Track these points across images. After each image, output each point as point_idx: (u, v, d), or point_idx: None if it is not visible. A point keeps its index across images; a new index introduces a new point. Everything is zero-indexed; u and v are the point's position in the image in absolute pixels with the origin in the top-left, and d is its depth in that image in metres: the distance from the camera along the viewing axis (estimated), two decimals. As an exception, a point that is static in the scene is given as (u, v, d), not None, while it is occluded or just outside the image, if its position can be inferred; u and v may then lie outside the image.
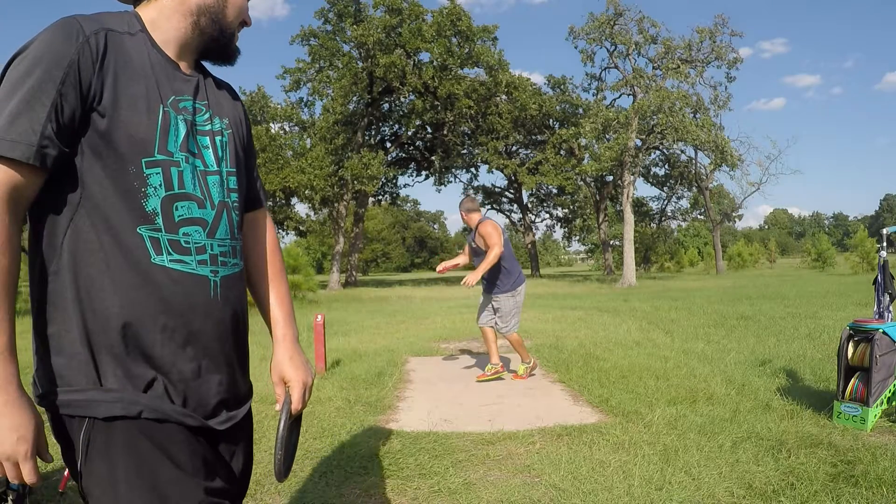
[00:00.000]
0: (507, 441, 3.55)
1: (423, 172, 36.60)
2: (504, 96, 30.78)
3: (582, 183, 34.30)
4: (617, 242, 43.14)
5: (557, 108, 33.82)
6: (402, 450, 3.39)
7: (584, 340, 7.39)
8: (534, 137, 35.39)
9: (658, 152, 35.08)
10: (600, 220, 37.66)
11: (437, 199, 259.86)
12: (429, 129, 33.54)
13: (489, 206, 40.67)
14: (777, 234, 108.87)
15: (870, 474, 2.79)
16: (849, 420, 3.62)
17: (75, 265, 1.02)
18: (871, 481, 2.73)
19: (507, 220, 42.73)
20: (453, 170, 36.43)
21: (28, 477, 0.96)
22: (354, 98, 28.54)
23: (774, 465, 3.02)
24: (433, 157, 33.53)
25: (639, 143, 26.85)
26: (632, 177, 26.71)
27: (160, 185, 1.06)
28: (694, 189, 38.68)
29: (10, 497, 2.39)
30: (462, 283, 5.17)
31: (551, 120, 34.71)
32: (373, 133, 32.08)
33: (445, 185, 36.83)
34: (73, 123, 1.00)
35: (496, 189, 40.68)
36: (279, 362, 1.30)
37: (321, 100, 28.63)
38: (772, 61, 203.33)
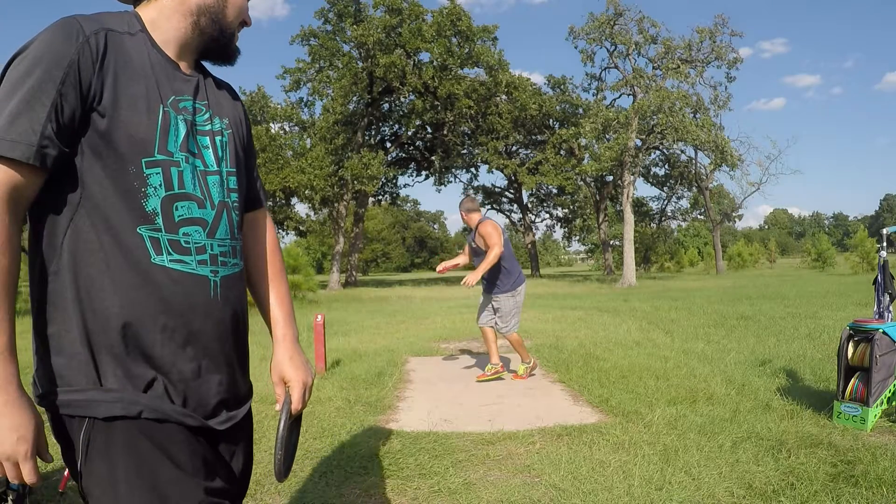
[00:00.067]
0: (507, 441, 3.55)
1: (423, 172, 36.61)
2: (504, 96, 30.78)
3: (582, 183, 34.29)
4: (617, 242, 43.15)
5: (557, 108, 33.82)
6: (402, 450, 3.39)
7: (584, 340, 7.39)
8: (534, 137, 35.39)
9: (658, 152, 35.10)
10: (600, 220, 37.66)
11: (437, 199, 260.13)
12: (429, 129, 33.54)
13: (489, 206, 40.68)
14: (777, 234, 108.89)
15: (870, 474, 2.79)
16: (849, 420, 3.62)
17: (75, 265, 1.02)
18: (871, 481, 2.73)
19: (507, 220, 42.75)
20: (453, 170, 36.44)
21: (28, 477, 0.96)
22: (354, 98, 28.54)
23: (774, 465, 3.02)
24: (433, 157, 33.53)
25: (639, 143, 26.86)
26: (632, 177, 26.71)
27: (160, 185, 1.06)
28: (694, 189, 38.68)
29: (10, 497, 2.39)
30: (462, 283, 5.18)
31: (551, 120, 34.71)
32: (373, 133, 32.08)
33: (445, 185, 36.89)
34: (73, 123, 1.00)
35: (496, 189, 40.69)
36: (279, 362, 1.30)
37: (321, 100, 28.66)
38: (772, 61, 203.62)
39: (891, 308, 4.09)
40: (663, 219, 44.28)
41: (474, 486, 2.88)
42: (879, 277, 4.15)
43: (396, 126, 33.30)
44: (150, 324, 1.05)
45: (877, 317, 4.11)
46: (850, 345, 3.74)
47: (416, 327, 9.78)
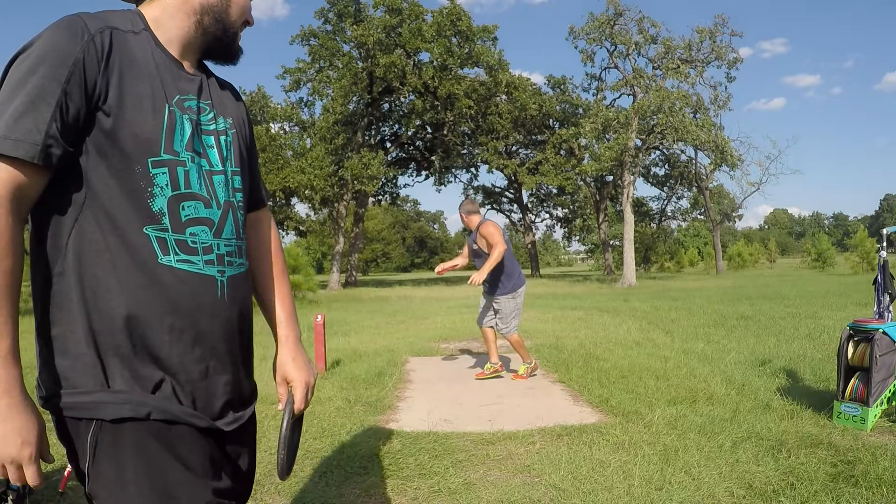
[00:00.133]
0: (507, 441, 3.55)
1: (423, 172, 36.61)
2: (504, 96, 30.78)
3: (582, 183, 34.29)
4: (617, 242, 43.16)
5: (557, 108, 33.82)
6: (402, 450, 3.39)
7: (584, 340, 7.39)
8: (534, 137, 35.39)
9: (658, 152, 35.10)
10: (600, 220, 37.65)
11: (437, 199, 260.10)
12: (429, 129, 33.55)
13: (489, 207, 40.68)
14: (777, 234, 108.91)
15: (870, 474, 2.79)
16: (849, 420, 3.62)
17: (80, 266, 1.01)
18: (871, 481, 2.73)
19: (507, 220, 42.77)
20: (453, 170, 36.44)
21: (31, 479, 0.95)
22: (354, 98, 28.54)
23: (774, 465, 3.02)
24: (433, 157, 33.53)
25: (639, 143, 26.86)
26: (632, 177, 26.71)
27: (166, 185, 1.05)
28: (694, 189, 38.68)
29: (10, 497, 2.39)
30: (469, 281, 5.19)
31: (551, 120, 34.71)
32: (373, 133, 32.08)
33: (445, 185, 36.88)
34: (78, 123, 0.99)
35: (496, 189, 40.69)
36: (282, 363, 1.30)
37: (321, 100, 28.66)
38: (772, 61, 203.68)
39: (891, 308, 4.09)
40: (663, 219, 44.29)
41: (474, 486, 2.88)
42: (879, 277, 4.15)
43: (396, 126, 33.30)
44: (157, 324, 1.04)
45: (877, 317, 4.11)
46: (850, 345, 3.75)
47: (416, 327, 9.78)
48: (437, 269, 5.52)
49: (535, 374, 5.55)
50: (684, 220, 47.07)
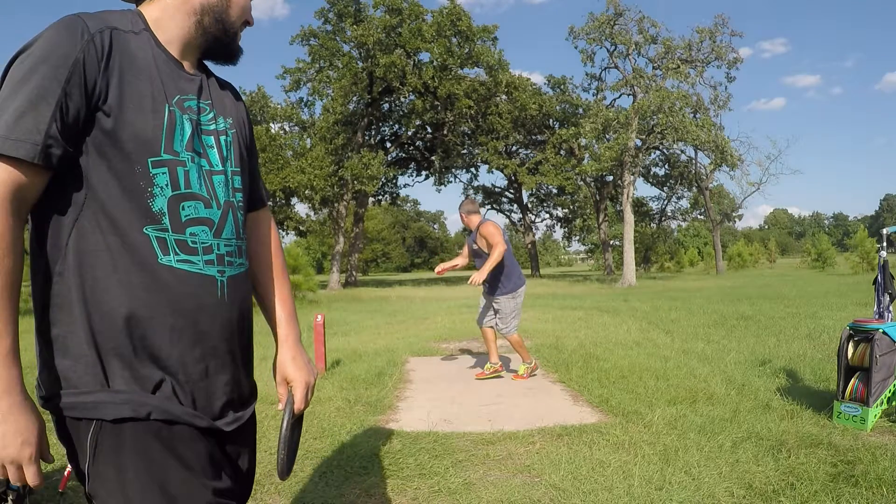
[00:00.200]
0: (507, 441, 3.55)
1: (423, 172, 36.60)
2: (504, 96, 30.78)
3: (582, 183, 34.28)
4: (617, 242, 43.12)
5: (557, 108, 33.82)
6: (402, 450, 3.39)
7: (584, 340, 7.39)
8: (534, 137, 35.38)
9: (658, 152, 35.09)
10: (600, 220, 37.65)
11: (437, 199, 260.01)
12: (429, 129, 33.54)
13: (489, 207, 40.69)
14: (777, 234, 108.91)
15: (870, 474, 2.79)
16: (849, 420, 3.62)
17: (81, 266, 1.01)
18: (871, 481, 2.73)
19: (507, 220, 42.75)
20: (453, 170, 36.43)
21: (32, 480, 0.95)
22: (354, 98, 28.54)
23: (774, 465, 3.02)
24: (433, 157, 33.53)
25: (639, 143, 26.85)
26: (632, 177, 26.71)
27: (167, 185, 1.05)
28: (694, 189, 38.66)
29: (10, 497, 2.39)
30: (469, 281, 5.19)
31: (551, 120, 34.71)
32: (373, 133, 32.07)
33: (445, 185, 36.87)
34: (78, 123, 0.99)
35: (496, 189, 40.69)
36: (282, 363, 1.30)
37: (321, 100, 28.65)
38: (772, 61, 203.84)
39: (891, 308, 4.09)
40: (663, 219, 44.27)
41: (474, 486, 2.88)
42: (879, 277, 4.15)
43: (396, 126, 33.29)
44: (157, 325, 1.04)
45: (877, 317, 4.11)
46: (850, 345, 3.75)
47: (416, 327, 9.78)
48: (437, 269, 5.52)
49: (535, 374, 5.55)
50: (684, 220, 47.05)
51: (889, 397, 3.72)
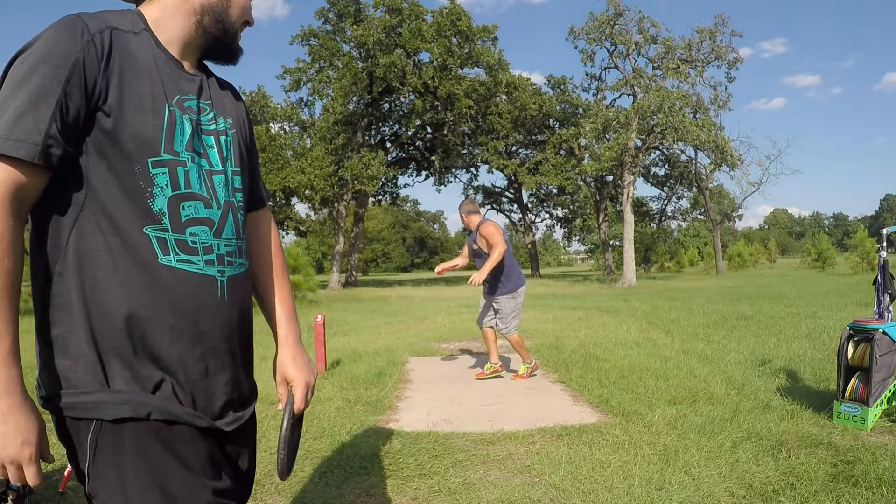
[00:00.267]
0: (507, 441, 3.55)
1: (423, 172, 36.60)
2: (504, 96, 30.78)
3: (582, 183, 34.28)
4: (617, 242, 43.12)
5: (557, 108, 33.83)
6: (402, 450, 3.39)
7: (584, 340, 7.39)
8: (534, 137, 35.39)
9: (658, 152, 35.10)
10: (600, 220, 37.65)
11: (437, 199, 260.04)
12: (429, 129, 33.54)
13: (489, 207, 40.68)
14: (777, 234, 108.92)
15: (870, 474, 2.79)
16: (849, 420, 3.62)
17: (81, 266, 1.01)
18: (871, 481, 2.73)
19: (507, 220, 42.75)
20: (453, 170, 36.43)
21: (32, 480, 0.95)
22: (354, 98, 28.54)
23: (774, 465, 3.02)
24: (433, 157, 33.53)
25: (639, 143, 26.85)
26: (632, 177, 26.71)
27: (167, 185, 1.05)
28: (694, 189, 38.66)
29: (10, 497, 2.39)
30: (469, 281, 5.19)
31: (551, 120, 34.71)
32: (373, 133, 32.07)
33: (445, 185, 36.88)
34: (78, 123, 0.99)
35: (496, 189, 40.69)
36: (282, 363, 1.30)
37: (321, 100, 28.65)
38: (772, 61, 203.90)
39: (891, 308, 4.09)
40: (663, 219, 44.27)
41: (474, 486, 2.88)
42: (879, 277, 4.15)
43: (396, 126, 33.29)
44: (157, 325, 1.04)
45: (877, 317, 4.11)
46: (850, 345, 3.75)
47: (416, 327, 9.78)
48: (437, 269, 5.52)
49: (535, 374, 5.55)
50: (684, 220, 47.05)
51: (889, 397, 3.72)
